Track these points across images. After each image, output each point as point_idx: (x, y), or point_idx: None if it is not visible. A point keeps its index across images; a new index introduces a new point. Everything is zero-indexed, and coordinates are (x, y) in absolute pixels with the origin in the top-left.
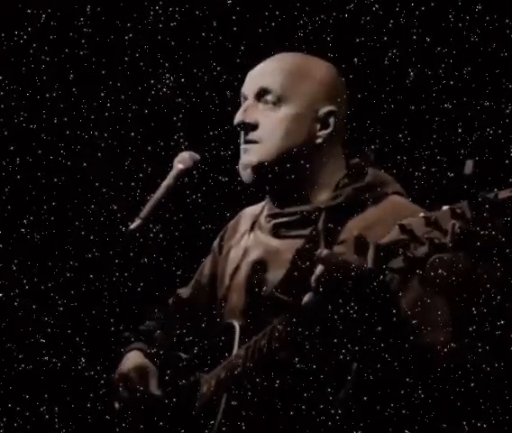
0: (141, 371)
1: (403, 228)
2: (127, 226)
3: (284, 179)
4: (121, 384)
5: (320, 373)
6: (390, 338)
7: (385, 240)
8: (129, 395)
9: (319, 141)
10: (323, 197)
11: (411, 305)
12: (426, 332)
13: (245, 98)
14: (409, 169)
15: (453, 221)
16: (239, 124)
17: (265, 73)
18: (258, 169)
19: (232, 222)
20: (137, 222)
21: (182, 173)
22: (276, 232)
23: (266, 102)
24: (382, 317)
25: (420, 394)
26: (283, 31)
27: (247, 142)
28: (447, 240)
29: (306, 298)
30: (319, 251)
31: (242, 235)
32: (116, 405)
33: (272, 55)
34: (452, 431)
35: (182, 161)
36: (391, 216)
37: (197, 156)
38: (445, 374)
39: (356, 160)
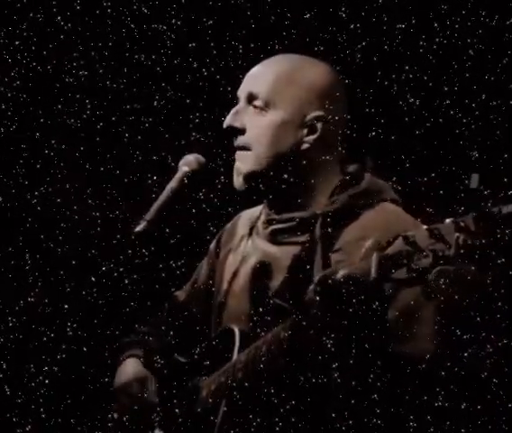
0: (140, 380)
1: (407, 240)
2: (133, 228)
3: (275, 185)
4: (121, 395)
5: (319, 379)
6: (373, 345)
7: (389, 251)
8: (130, 405)
9: (305, 146)
10: (319, 203)
11: (397, 315)
12: (409, 342)
13: (239, 100)
14: (414, 181)
15: (457, 234)
16: (227, 128)
17: (255, 78)
18: (248, 177)
19: (228, 225)
20: (142, 224)
21: (187, 175)
22: (273, 238)
23: (255, 106)
24: (369, 325)
25: (400, 402)
26: (289, 28)
27: (236, 146)
28: (451, 253)
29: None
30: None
31: (241, 240)
32: (115, 415)
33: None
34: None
35: (187, 163)
36: (387, 223)
37: (203, 158)
38: (424, 385)
39: (353, 166)
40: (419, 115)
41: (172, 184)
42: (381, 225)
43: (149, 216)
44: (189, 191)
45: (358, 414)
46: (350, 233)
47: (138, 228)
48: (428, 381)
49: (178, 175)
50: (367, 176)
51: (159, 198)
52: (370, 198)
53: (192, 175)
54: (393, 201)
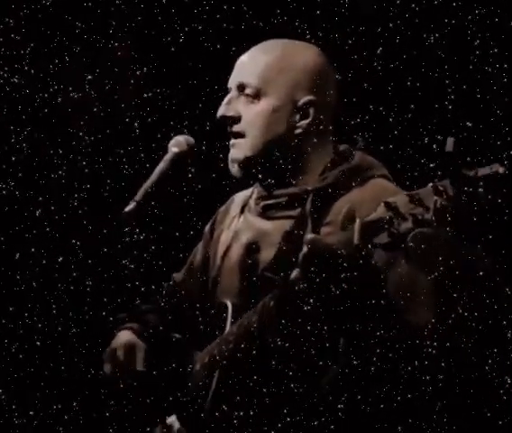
0: (128, 347)
1: (388, 206)
2: (122, 209)
3: (270, 169)
4: (107, 360)
5: (310, 349)
6: (375, 317)
7: (370, 217)
8: (113, 370)
9: (299, 131)
10: (310, 180)
11: (396, 285)
12: (411, 311)
13: (230, 90)
14: (393, 148)
15: (436, 198)
16: (221, 117)
17: (245, 67)
18: (244, 164)
19: (222, 207)
20: (132, 205)
21: (176, 157)
22: (265, 214)
23: (246, 95)
24: (367, 296)
25: (406, 373)
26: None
27: (232, 134)
28: (429, 216)
29: (294, 273)
30: (306, 235)
31: (233, 219)
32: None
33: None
34: (437, 410)
35: (177, 144)
36: (376, 198)
37: (192, 140)
38: (430, 353)
39: (344, 145)
40: (395, 76)
41: (162, 165)
42: (369, 200)
43: (138, 196)
44: (179, 172)
45: (351, 384)
46: (339, 207)
47: (127, 209)
48: (426, 352)
49: (168, 156)
50: (358, 153)
51: (148, 178)
52: (360, 175)
53: (182, 156)
54: (384, 177)
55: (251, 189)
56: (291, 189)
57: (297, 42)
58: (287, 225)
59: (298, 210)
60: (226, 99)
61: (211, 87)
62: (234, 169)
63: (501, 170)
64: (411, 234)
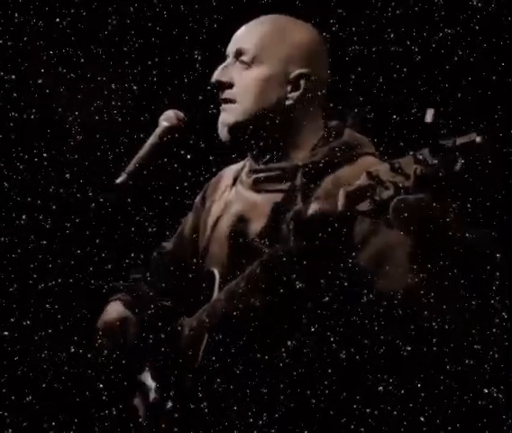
0: (120, 321)
1: (370, 175)
2: (113, 181)
3: (259, 137)
4: (100, 333)
5: (294, 313)
6: (348, 285)
7: (354, 185)
8: (108, 344)
9: (289, 102)
10: (301, 155)
11: (370, 256)
12: (385, 277)
13: (228, 57)
14: (376, 116)
15: (416, 166)
16: (215, 82)
17: (243, 35)
18: (233, 128)
19: (213, 179)
20: (123, 176)
21: (167, 131)
22: (256, 186)
23: (242, 62)
24: (342, 264)
25: (375, 339)
26: None
27: (223, 100)
28: (410, 183)
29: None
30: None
31: (224, 191)
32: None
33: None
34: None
35: (167, 118)
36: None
37: (182, 114)
38: (399, 318)
39: (334, 121)
40: (376, 49)
41: (152, 139)
42: (358, 177)
43: (129, 168)
44: (169, 146)
45: (332, 349)
46: (328, 183)
47: (119, 180)
48: (399, 319)
49: (158, 130)
50: (347, 131)
51: (139, 151)
52: (349, 151)
53: (172, 130)
54: (372, 155)
55: (242, 163)
56: (282, 164)
57: (292, 18)
58: (277, 198)
59: (288, 184)
60: (222, 65)
61: (202, 61)
62: (224, 133)
63: (478, 139)
64: (393, 202)
